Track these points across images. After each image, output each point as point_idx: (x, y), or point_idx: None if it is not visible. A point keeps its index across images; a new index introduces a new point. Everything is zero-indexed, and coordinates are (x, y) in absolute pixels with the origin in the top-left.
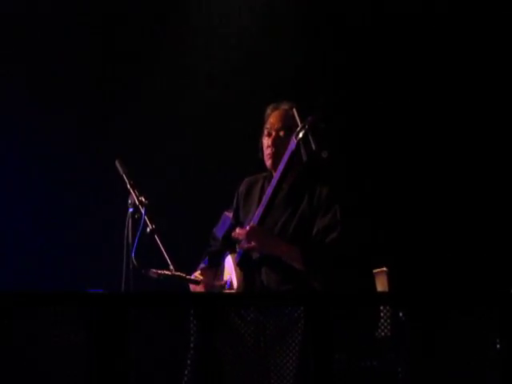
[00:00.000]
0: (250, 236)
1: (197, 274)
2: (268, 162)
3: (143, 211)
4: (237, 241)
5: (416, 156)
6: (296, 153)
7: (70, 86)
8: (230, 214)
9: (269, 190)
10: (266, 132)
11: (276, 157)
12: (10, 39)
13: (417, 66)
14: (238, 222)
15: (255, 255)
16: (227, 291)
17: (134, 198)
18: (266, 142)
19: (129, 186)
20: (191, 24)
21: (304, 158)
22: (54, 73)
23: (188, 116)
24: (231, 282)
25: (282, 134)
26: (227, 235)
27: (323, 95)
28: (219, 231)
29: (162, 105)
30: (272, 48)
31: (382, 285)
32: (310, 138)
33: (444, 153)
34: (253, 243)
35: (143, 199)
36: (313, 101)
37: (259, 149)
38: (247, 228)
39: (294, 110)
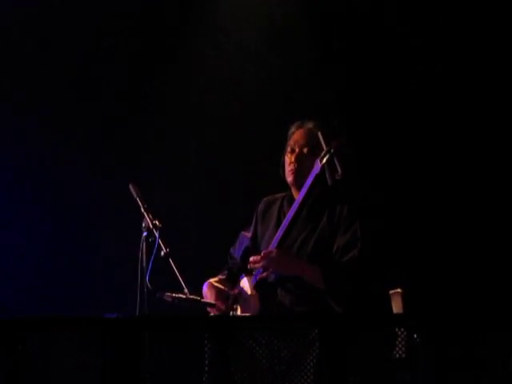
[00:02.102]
0: (265, 263)
1: (212, 281)
2: (289, 178)
3: (157, 235)
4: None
5: (432, 178)
6: (320, 177)
7: (83, 109)
8: (247, 234)
9: (290, 213)
10: (289, 149)
11: (298, 173)
12: (22, 58)
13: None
14: (255, 241)
15: (271, 277)
16: (243, 312)
17: (147, 221)
18: (289, 158)
19: (143, 210)
20: (204, 42)
21: (329, 181)
22: (64, 98)
23: (203, 137)
24: (248, 303)
25: (305, 150)
26: (244, 255)
27: (337, 118)
28: (237, 251)
29: (176, 126)
30: (289, 68)
31: (396, 306)
32: (336, 162)
33: (462, 171)
34: (270, 270)
35: (157, 223)
36: (329, 122)
37: (280, 166)
38: (262, 254)
39: (320, 133)
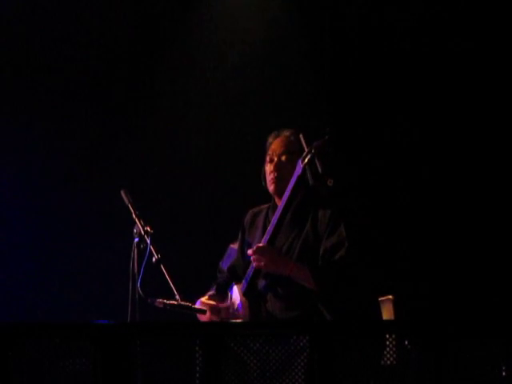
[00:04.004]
0: (258, 254)
1: (203, 299)
2: (271, 188)
3: (149, 241)
4: (242, 273)
5: (423, 181)
6: (302, 177)
7: (74, 115)
8: (235, 246)
9: (275, 216)
10: (268, 159)
11: (279, 181)
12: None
13: (423, 87)
14: (243, 252)
15: (261, 284)
16: (234, 319)
17: (139, 227)
18: (269, 168)
19: (134, 216)
20: (191, 52)
21: (310, 182)
22: (56, 105)
23: (192, 147)
24: (238, 310)
25: (283, 158)
26: (232, 267)
27: (327, 124)
28: (225, 263)
29: (165, 136)
30: (275, 76)
31: (387, 313)
32: (317, 162)
33: (454, 177)
34: (262, 262)
35: (149, 229)
36: (316, 129)
37: (262, 178)
38: (255, 247)
39: (301, 135)
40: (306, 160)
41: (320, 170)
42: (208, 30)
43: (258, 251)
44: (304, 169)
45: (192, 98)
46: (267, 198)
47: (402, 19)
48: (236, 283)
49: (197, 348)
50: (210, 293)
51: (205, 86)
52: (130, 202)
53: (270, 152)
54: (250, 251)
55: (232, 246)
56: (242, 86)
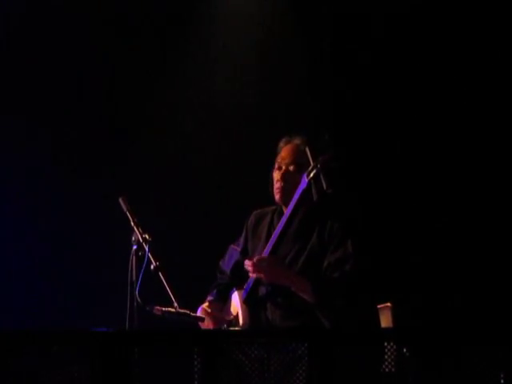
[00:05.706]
0: (257, 266)
1: (204, 306)
2: (277, 196)
3: (147, 248)
4: (244, 275)
5: (420, 192)
6: (307, 192)
7: (74, 122)
8: (236, 247)
9: (278, 228)
10: (276, 166)
11: (284, 191)
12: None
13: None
14: (245, 254)
15: (261, 292)
16: (233, 327)
17: (137, 235)
18: (276, 175)
19: (132, 224)
20: (192, 58)
21: (315, 197)
22: (55, 110)
23: (191, 149)
24: (237, 317)
25: (291, 168)
26: (234, 268)
27: (328, 132)
28: (226, 264)
29: (164, 139)
30: (278, 78)
31: (386, 320)
32: (322, 177)
33: (452, 185)
34: (262, 273)
35: (147, 236)
36: (319, 136)
37: (269, 182)
38: (255, 260)
39: (307, 148)
40: (312, 175)
41: (325, 185)
42: (210, 30)
43: (258, 262)
44: (309, 183)
45: (191, 100)
46: (264, 200)
47: (406, 21)
48: (237, 289)
49: (195, 356)
50: (210, 298)
51: (204, 89)
52: (128, 209)
53: (278, 159)
54: (248, 263)
55: (233, 246)
56: (243, 87)
